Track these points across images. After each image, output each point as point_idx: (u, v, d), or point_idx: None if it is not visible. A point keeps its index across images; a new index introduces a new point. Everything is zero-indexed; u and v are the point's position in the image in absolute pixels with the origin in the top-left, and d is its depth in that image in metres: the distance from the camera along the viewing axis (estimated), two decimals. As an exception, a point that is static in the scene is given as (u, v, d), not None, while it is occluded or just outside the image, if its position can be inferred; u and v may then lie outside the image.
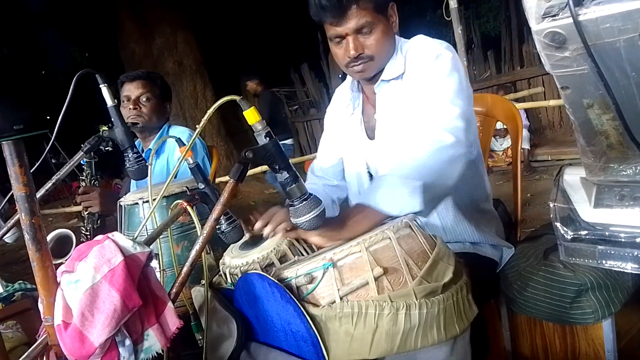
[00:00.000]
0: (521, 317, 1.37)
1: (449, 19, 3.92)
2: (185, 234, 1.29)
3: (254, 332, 0.95)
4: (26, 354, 0.84)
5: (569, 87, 0.79)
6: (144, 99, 1.99)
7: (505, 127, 3.32)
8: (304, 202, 0.92)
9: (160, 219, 1.30)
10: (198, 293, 1.04)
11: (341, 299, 0.87)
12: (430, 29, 7.69)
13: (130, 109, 1.97)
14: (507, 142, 5.41)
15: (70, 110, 1.26)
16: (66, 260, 0.83)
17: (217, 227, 0.99)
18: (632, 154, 0.87)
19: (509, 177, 3.81)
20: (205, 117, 0.91)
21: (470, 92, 1.25)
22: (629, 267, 0.93)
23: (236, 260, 1.06)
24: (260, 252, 1.05)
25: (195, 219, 0.97)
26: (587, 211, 1.01)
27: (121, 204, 1.39)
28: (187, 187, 1.25)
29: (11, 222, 1.39)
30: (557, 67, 0.76)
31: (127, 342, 0.76)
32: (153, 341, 0.79)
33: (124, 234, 0.86)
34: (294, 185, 0.91)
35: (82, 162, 1.60)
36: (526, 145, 5.26)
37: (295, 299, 0.86)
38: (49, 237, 1.89)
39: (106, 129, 1.40)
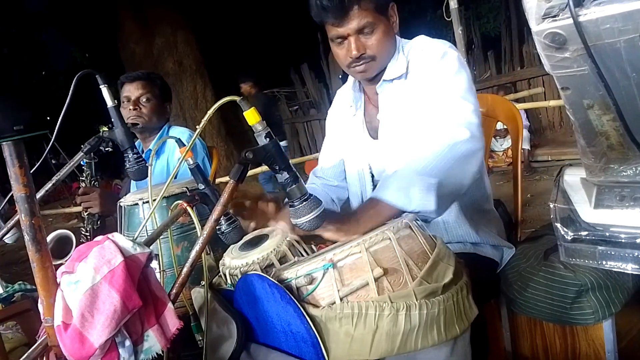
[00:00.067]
0: (521, 318, 1.37)
1: (449, 19, 3.92)
2: (185, 234, 1.29)
3: (254, 333, 0.94)
4: (26, 354, 0.84)
5: (569, 88, 0.79)
6: (144, 100, 2.00)
7: (505, 127, 3.33)
8: (304, 203, 0.91)
9: (160, 219, 1.29)
10: (198, 294, 1.04)
11: (341, 299, 0.86)
12: (431, 30, 7.68)
13: (130, 109, 1.97)
14: (507, 143, 5.41)
15: (70, 111, 1.26)
16: (66, 261, 0.83)
17: (217, 227, 0.99)
18: (633, 154, 0.87)
19: (509, 178, 3.81)
20: (205, 118, 0.91)
21: (475, 90, 1.26)
22: (629, 267, 0.93)
23: (236, 261, 1.06)
24: (260, 253, 1.05)
25: (195, 220, 0.97)
26: (588, 212, 1.01)
27: (121, 204, 1.38)
28: (187, 188, 1.25)
29: (11, 222, 1.39)
30: (558, 68, 0.76)
31: (127, 343, 0.76)
32: (153, 342, 0.79)
33: (124, 235, 0.86)
34: (294, 185, 0.91)
35: (82, 162, 1.60)
36: (526, 146, 5.25)
37: (295, 300, 0.86)
38: (48, 238, 1.89)
39: (106, 129, 1.40)
